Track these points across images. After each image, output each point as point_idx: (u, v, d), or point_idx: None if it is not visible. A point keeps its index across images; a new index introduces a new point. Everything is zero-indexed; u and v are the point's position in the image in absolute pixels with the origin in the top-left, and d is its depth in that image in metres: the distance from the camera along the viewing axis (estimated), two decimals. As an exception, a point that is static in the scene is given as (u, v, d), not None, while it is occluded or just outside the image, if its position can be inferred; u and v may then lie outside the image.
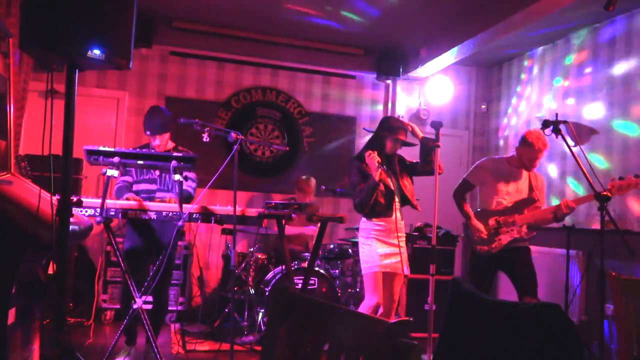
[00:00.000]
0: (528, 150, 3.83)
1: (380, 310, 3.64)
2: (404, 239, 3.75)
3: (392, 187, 3.67)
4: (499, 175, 3.94)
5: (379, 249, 3.62)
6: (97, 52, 2.01)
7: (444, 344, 1.66)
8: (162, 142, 3.90)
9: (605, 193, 3.23)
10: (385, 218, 3.65)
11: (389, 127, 3.73)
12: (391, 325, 0.94)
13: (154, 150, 3.90)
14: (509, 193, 3.90)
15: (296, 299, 1.33)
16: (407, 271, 3.71)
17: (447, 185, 4.23)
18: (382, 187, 3.62)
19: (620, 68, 4.80)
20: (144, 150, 3.89)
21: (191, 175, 3.91)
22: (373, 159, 3.55)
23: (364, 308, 3.62)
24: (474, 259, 4.03)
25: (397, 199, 3.69)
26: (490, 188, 3.96)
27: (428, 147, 3.67)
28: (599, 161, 4.91)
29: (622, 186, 3.43)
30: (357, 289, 5.21)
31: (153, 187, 3.86)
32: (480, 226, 3.88)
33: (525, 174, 3.96)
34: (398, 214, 3.68)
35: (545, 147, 3.83)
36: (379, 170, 3.53)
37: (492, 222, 3.88)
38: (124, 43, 2.13)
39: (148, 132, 3.88)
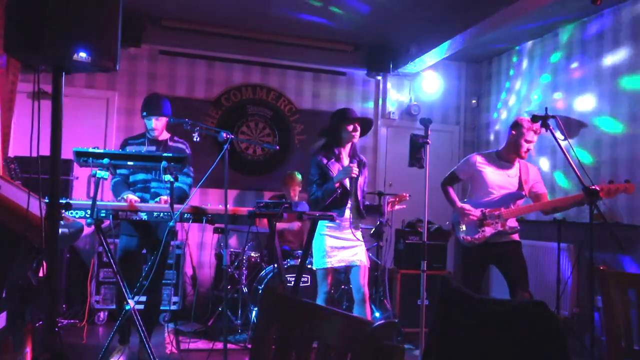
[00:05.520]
0: (522, 132, 3.82)
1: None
2: (359, 234, 3.80)
3: (348, 187, 3.70)
4: (488, 169, 3.94)
5: (329, 244, 3.67)
6: (83, 55, 1.99)
7: (433, 342, 1.67)
8: (158, 127, 3.87)
9: (593, 187, 3.26)
10: (339, 216, 3.67)
11: (344, 117, 3.76)
12: (375, 327, 0.95)
13: (151, 136, 3.88)
14: (498, 186, 3.90)
15: (284, 300, 1.34)
16: (365, 262, 3.73)
17: (438, 181, 4.24)
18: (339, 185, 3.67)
19: (608, 62, 4.83)
20: (133, 151, 3.88)
21: (187, 170, 3.88)
22: (354, 173, 3.59)
23: (319, 302, 3.72)
24: (465, 253, 4.04)
25: (351, 199, 3.73)
26: (479, 181, 3.96)
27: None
28: (585, 156, 4.94)
29: (610, 190, 3.48)
30: (350, 286, 5.22)
31: (149, 176, 3.86)
32: (467, 206, 3.87)
33: (516, 166, 3.95)
34: (349, 212, 3.71)
35: (539, 129, 3.84)
36: (347, 179, 3.61)
37: (478, 212, 3.87)
38: (110, 45, 2.11)
39: (144, 114, 3.85)
